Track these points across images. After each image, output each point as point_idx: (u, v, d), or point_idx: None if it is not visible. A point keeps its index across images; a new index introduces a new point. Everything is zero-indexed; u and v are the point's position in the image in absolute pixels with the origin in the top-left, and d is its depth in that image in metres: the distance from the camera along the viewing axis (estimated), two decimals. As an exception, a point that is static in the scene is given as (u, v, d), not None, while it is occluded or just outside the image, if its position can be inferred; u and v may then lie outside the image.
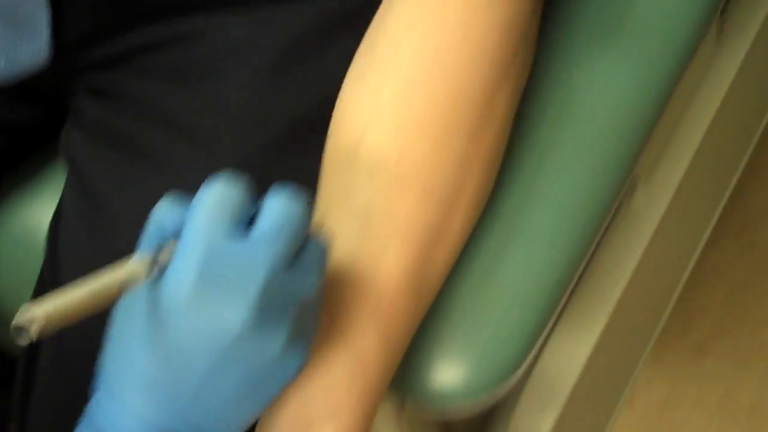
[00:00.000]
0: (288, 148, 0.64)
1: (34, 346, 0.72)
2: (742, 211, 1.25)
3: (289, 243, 0.45)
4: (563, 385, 0.66)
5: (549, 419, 0.66)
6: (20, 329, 0.40)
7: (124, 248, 0.68)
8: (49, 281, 0.71)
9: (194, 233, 0.44)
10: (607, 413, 0.86)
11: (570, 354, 0.66)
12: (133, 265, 0.44)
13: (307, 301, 0.45)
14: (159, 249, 0.46)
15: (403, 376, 0.55)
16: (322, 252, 0.47)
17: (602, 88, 0.55)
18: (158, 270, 0.45)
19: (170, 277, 0.44)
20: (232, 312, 0.43)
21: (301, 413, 0.49)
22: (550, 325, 0.55)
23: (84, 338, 0.69)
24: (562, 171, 0.55)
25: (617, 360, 0.80)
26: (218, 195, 0.46)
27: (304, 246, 0.46)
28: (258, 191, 0.67)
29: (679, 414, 1.19)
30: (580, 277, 0.68)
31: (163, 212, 0.47)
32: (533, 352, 0.55)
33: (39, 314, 0.40)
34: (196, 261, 0.44)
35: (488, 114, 0.51)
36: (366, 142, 0.51)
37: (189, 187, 0.67)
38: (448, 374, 0.55)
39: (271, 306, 0.44)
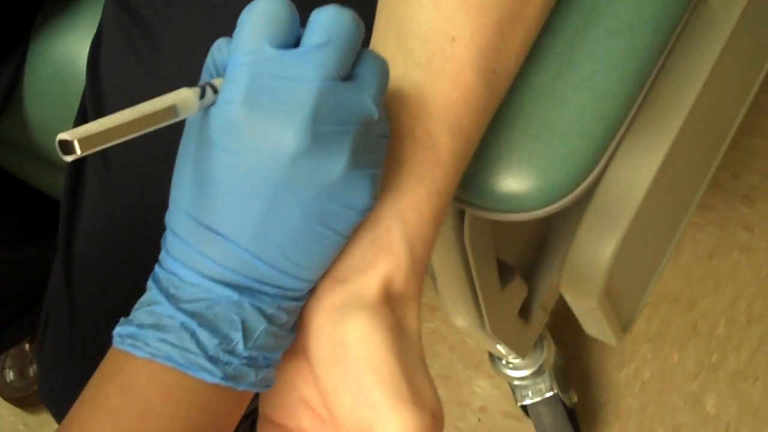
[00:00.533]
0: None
1: (77, 190, 0.71)
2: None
3: (340, 51, 0.41)
4: (628, 206, 0.63)
5: (612, 242, 0.64)
6: (65, 144, 0.38)
7: (168, 65, 0.65)
8: (91, 107, 0.70)
9: (241, 47, 0.42)
10: (663, 248, 0.83)
11: (637, 169, 0.63)
12: (184, 92, 0.41)
13: (369, 121, 0.42)
14: (212, 78, 0.43)
15: (467, 179, 0.52)
16: (380, 67, 0.43)
17: None
18: (214, 100, 0.42)
19: (220, 98, 0.41)
20: (288, 126, 0.40)
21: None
22: (624, 127, 0.52)
23: (127, 174, 0.67)
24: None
25: (680, 184, 0.77)
26: (263, 10, 0.42)
27: (360, 61, 0.43)
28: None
29: (729, 260, 1.17)
30: (650, 88, 0.65)
31: (218, 48, 0.44)
32: (606, 156, 0.52)
33: (83, 130, 0.38)
34: (245, 74, 0.41)
35: None
36: None
37: (233, 3, 0.64)
38: (515, 181, 0.52)
39: (328, 119, 0.40)
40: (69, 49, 0.80)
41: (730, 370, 1.14)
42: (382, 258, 0.45)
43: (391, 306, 0.45)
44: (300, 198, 0.41)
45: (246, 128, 0.40)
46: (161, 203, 0.60)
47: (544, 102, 0.51)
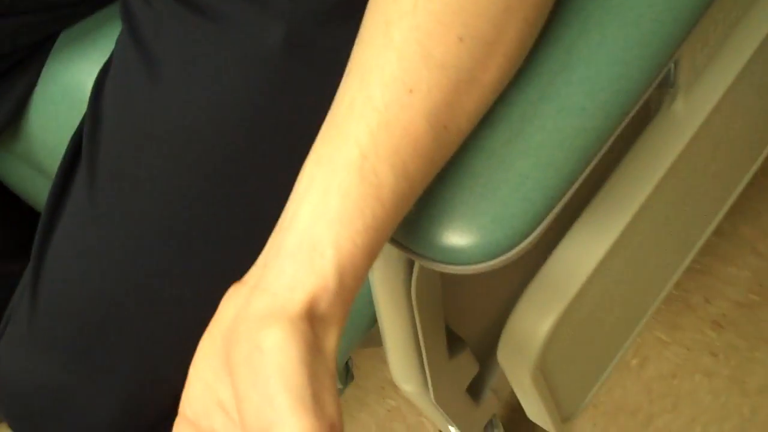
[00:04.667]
0: (343, 19, 0.65)
1: (61, 201, 0.74)
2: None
3: None
4: (571, 286, 0.66)
5: (550, 318, 0.66)
6: None
7: (167, 96, 0.69)
8: (88, 129, 0.73)
9: None
10: (613, 348, 0.86)
11: (582, 254, 0.66)
12: None
13: None
14: None
15: (414, 229, 0.56)
16: None
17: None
18: None
19: None
20: None
21: (307, 234, 0.49)
22: (563, 200, 0.55)
23: (112, 197, 0.71)
24: (603, 44, 0.55)
25: (635, 286, 0.80)
26: None
27: None
28: (305, 64, 0.68)
29: (690, 382, 1.19)
30: (607, 177, 0.68)
31: None
32: (544, 224, 0.55)
33: None
34: None
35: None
36: None
37: (238, 42, 0.68)
38: (456, 234, 0.55)
39: None
40: (80, 74, 0.84)
41: (677, 490, 1.15)
42: (311, 279, 0.48)
43: (312, 324, 0.48)
44: None
45: None
46: (144, 230, 0.64)
47: (492, 164, 0.55)
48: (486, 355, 0.89)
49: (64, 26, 0.84)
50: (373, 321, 0.79)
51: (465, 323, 0.82)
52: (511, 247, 0.55)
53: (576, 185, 0.55)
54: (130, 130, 0.71)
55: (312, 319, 0.48)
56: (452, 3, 0.50)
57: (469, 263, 0.55)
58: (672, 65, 0.64)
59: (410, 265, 0.64)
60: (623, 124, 0.56)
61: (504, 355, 0.70)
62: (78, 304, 0.70)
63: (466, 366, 0.84)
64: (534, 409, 0.80)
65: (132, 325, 0.69)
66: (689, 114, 0.67)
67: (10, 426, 0.75)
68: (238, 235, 0.68)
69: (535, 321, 0.66)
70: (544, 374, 0.72)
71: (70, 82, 0.84)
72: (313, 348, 0.47)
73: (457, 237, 0.55)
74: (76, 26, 0.84)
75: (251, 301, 0.49)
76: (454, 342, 0.80)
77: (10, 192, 0.99)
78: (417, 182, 0.51)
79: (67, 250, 0.71)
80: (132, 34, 0.73)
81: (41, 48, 0.84)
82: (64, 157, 0.75)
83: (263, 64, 0.68)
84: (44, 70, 0.85)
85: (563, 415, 0.83)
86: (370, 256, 0.50)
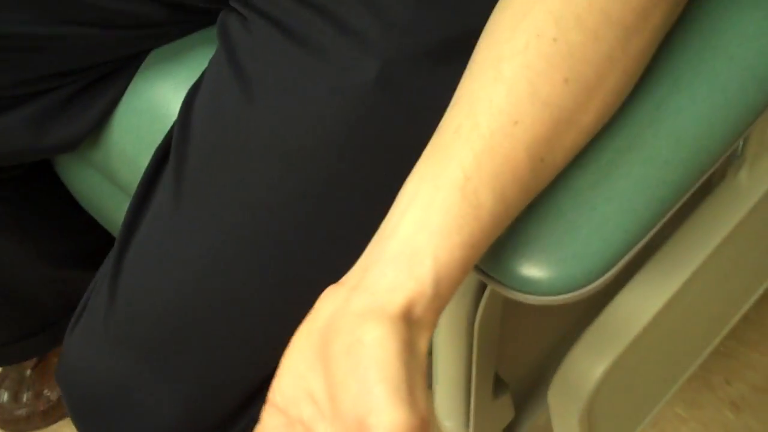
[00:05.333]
0: (434, 63, 0.69)
1: (144, 204, 0.78)
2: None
3: None
4: (628, 332, 0.69)
5: (604, 362, 0.70)
6: None
7: (263, 117, 0.73)
8: (178, 141, 0.76)
9: None
10: (652, 401, 0.89)
11: (639, 305, 0.69)
12: None
13: None
14: None
15: (494, 255, 0.59)
16: None
17: (745, 42, 0.60)
18: None
19: None
20: None
21: (409, 243, 0.53)
22: (640, 244, 0.59)
23: (194, 205, 0.74)
24: (691, 103, 0.59)
25: (682, 342, 0.83)
26: None
27: None
28: (395, 100, 0.72)
29: (703, 460, 1.22)
30: (668, 238, 0.72)
31: None
32: (620, 264, 0.59)
33: None
34: None
35: (641, 24, 0.55)
36: (528, 20, 0.56)
37: (331, 74, 0.72)
38: (534, 266, 0.58)
39: None
40: (166, 91, 0.88)
41: None
42: (410, 284, 0.52)
43: (408, 325, 0.52)
44: None
45: None
46: (225, 241, 0.67)
47: (577, 204, 0.58)
48: (522, 402, 0.92)
49: (154, 45, 0.88)
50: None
51: (509, 367, 0.85)
52: (586, 284, 0.58)
53: (653, 232, 0.59)
54: (220, 143, 0.74)
55: (408, 320, 0.52)
56: (562, 48, 0.55)
57: (544, 294, 0.59)
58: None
59: (478, 297, 0.68)
60: (701, 181, 0.60)
61: (555, 394, 0.73)
62: (155, 306, 0.72)
63: (505, 410, 0.87)
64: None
65: (205, 332, 0.72)
66: (751, 186, 0.71)
67: (73, 419, 0.77)
68: (315, 255, 0.72)
69: (590, 364, 0.69)
70: (590, 421, 0.75)
71: (155, 98, 0.87)
72: (408, 347, 0.51)
73: (536, 268, 0.58)
74: (167, 46, 0.88)
75: (351, 300, 0.52)
76: (497, 384, 0.83)
77: (73, 202, 1.02)
78: (512, 208, 0.55)
79: (149, 252, 0.74)
80: (228, 54, 0.76)
81: (130, 63, 0.88)
82: (150, 164, 0.78)
83: (353, 99, 0.71)
84: (131, 84, 0.88)
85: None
86: (463, 270, 0.54)
